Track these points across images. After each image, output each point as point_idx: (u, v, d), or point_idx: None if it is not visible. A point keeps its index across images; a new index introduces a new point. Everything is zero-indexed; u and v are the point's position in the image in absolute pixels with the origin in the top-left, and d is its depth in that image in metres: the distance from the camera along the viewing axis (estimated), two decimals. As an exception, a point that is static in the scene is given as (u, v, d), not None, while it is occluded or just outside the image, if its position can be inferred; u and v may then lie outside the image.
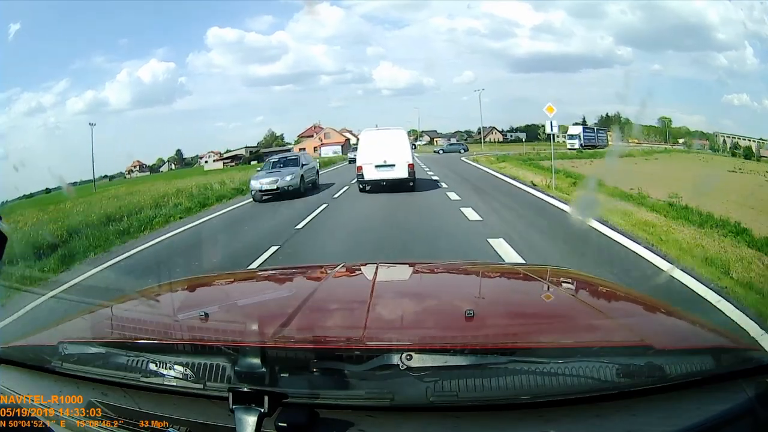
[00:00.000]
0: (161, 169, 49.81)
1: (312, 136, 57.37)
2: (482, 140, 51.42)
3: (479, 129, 57.65)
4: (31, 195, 26.74)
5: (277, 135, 58.57)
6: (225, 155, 53.46)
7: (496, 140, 54.76)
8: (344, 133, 58.08)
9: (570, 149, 36.67)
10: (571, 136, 39.95)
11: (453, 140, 52.06)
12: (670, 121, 43.90)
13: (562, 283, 1.67)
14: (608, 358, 0.94)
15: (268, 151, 53.20)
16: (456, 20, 68.12)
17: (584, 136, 40.51)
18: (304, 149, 51.89)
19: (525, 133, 52.97)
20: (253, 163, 45.95)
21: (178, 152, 52.89)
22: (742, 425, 0.91)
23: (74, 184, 31.10)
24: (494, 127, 57.36)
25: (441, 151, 43.26)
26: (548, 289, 1.62)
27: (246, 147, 54.82)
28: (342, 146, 54.15)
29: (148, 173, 48.47)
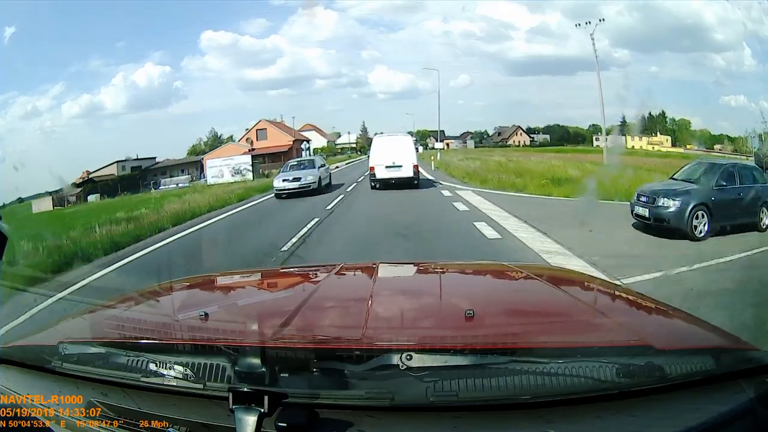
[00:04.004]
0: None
1: (247, 138, 35.48)
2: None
3: (489, 131, 45.69)
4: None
5: (221, 137, 39.40)
6: (92, 175, 31.34)
7: (522, 143, 44.90)
8: (303, 132, 39.42)
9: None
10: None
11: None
12: (689, 123, 37.64)
13: (562, 283, 1.67)
14: (608, 358, 0.94)
15: (159, 167, 33.48)
16: (451, 23, 67.58)
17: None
18: (201, 159, 30.17)
19: (548, 135, 45.77)
20: (90, 198, 26.92)
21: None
22: (742, 425, 0.91)
23: (21, 200, 22.79)
24: (519, 127, 46.12)
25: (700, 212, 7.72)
26: (548, 289, 1.62)
27: (117, 161, 32.76)
28: (287, 153, 30.51)
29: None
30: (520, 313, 1.40)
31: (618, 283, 3.73)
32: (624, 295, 1.61)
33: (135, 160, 33.92)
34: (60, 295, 6.07)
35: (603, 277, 4.53)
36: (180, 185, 28.87)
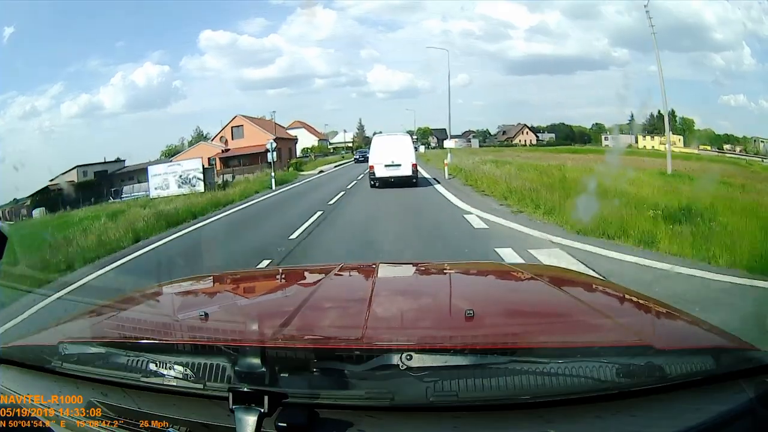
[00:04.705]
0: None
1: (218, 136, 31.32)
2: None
3: (490, 130, 43.13)
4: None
5: (206, 135, 35.20)
6: (52, 182, 25.67)
7: (528, 142, 42.72)
8: (291, 130, 36.79)
9: None
10: None
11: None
12: (693, 122, 36.62)
13: (562, 283, 1.67)
14: (608, 358, 0.94)
15: (126, 171, 29.22)
16: (450, 22, 67.98)
17: None
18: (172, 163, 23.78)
19: (554, 134, 44.53)
20: (35, 213, 21.57)
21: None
22: (742, 425, 0.91)
23: (16, 200, 19.72)
24: (525, 125, 43.86)
25: None
26: (548, 289, 1.62)
27: (78, 166, 28.33)
28: (266, 154, 22.19)
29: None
30: (520, 313, 1.40)
31: (618, 283, 3.74)
32: (624, 295, 1.61)
33: (100, 164, 29.97)
34: (60, 294, 6.07)
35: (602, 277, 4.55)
36: (133, 195, 23.59)
